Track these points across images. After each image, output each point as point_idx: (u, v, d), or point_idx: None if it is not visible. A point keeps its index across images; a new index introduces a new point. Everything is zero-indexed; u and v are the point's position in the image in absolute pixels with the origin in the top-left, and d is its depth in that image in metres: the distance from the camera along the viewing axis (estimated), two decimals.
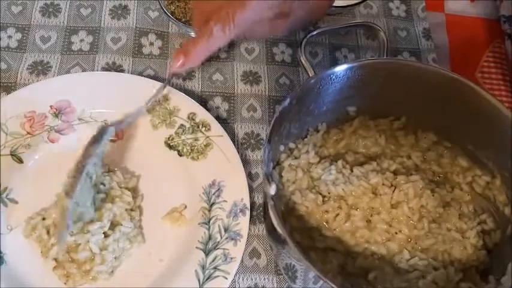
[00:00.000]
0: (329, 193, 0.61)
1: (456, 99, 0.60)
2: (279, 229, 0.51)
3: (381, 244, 0.60)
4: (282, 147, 0.62)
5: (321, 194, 0.62)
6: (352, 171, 0.63)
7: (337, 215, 0.61)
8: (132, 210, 0.65)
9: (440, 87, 0.60)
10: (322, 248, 0.60)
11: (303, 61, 0.63)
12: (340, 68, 0.59)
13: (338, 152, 0.66)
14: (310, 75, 0.62)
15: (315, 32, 0.66)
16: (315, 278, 0.50)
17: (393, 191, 0.62)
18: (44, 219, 0.61)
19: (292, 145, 0.63)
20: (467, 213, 0.63)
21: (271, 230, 0.59)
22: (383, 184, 0.62)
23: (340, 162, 0.63)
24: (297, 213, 0.61)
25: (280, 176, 0.61)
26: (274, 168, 0.61)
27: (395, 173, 0.64)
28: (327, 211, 0.61)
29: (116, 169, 0.67)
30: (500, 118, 0.58)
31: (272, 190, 0.55)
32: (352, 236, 0.60)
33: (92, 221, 0.61)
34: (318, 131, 0.65)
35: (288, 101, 0.56)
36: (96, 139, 0.63)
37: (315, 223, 0.60)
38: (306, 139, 0.65)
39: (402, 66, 0.63)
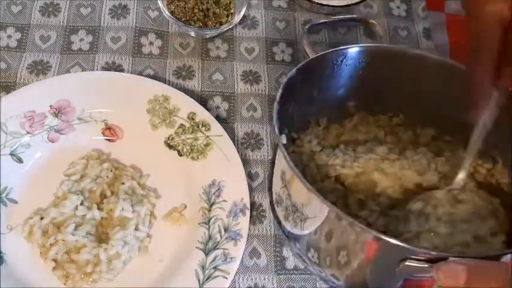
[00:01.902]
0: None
1: (453, 85, 0.59)
2: (290, 164, 0.50)
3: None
4: (284, 133, 0.62)
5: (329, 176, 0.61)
6: (355, 151, 0.63)
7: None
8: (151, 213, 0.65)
9: (435, 71, 0.61)
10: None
11: (306, 47, 0.64)
12: (343, 51, 0.61)
13: (339, 143, 0.66)
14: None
15: (314, 23, 0.70)
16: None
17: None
18: (42, 218, 0.61)
19: (294, 135, 0.64)
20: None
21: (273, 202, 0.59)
22: (389, 153, 0.62)
23: (342, 146, 0.63)
24: None
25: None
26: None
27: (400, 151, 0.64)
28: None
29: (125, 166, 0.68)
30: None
31: (283, 139, 0.54)
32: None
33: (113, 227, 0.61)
34: (319, 125, 0.66)
35: (294, 71, 0.57)
36: None
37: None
38: (307, 131, 0.65)
39: (399, 53, 0.63)
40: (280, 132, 0.54)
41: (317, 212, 0.50)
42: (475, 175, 0.63)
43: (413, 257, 0.45)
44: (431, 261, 0.44)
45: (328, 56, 0.60)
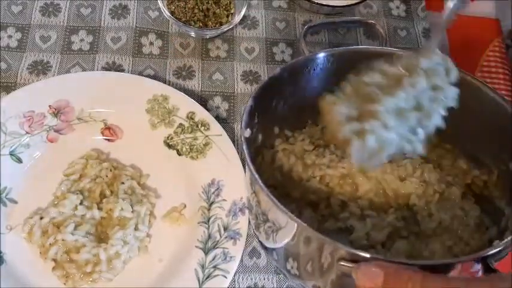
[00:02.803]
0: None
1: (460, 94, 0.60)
2: (251, 168, 0.50)
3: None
4: (276, 130, 0.61)
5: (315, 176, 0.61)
6: (345, 151, 0.62)
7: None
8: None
9: None
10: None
11: (304, 48, 0.65)
12: (331, 52, 0.60)
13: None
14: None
15: (313, 24, 0.69)
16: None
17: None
18: (41, 218, 0.61)
19: (288, 133, 0.64)
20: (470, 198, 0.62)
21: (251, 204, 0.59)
22: None
23: (332, 146, 0.63)
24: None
25: (272, 161, 0.61)
26: (267, 148, 0.61)
27: None
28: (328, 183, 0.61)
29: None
30: (499, 110, 0.57)
31: (247, 133, 0.55)
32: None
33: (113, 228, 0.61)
34: (317, 125, 0.66)
35: (278, 70, 0.57)
36: None
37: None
38: (304, 130, 0.65)
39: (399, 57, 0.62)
40: (246, 126, 0.54)
41: (284, 219, 0.49)
42: (472, 186, 0.63)
43: (345, 257, 0.46)
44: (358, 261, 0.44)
45: (312, 56, 0.61)
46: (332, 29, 0.83)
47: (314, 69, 0.61)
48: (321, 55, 0.61)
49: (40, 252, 0.60)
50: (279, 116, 0.61)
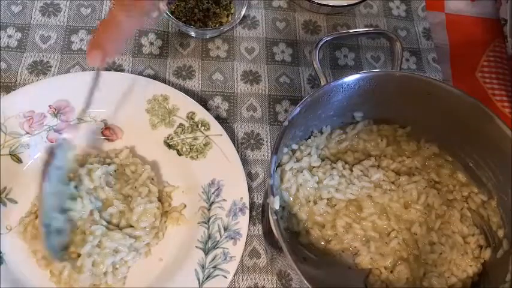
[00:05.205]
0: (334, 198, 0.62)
1: (465, 118, 0.60)
2: (280, 241, 0.50)
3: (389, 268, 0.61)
4: (285, 150, 0.61)
5: (322, 198, 0.62)
6: (352, 171, 0.63)
7: (349, 225, 0.61)
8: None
9: (449, 104, 0.60)
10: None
11: (316, 66, 0.63)
12: (352, 78, 0.60)
13: (339, 151, 0.66)
14: (322, 81, 0.62)
15: (329, 38, 0.65)
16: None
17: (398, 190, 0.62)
18: (37, 217, 0.61)
19: (295, 146, 0.63)
20: (467, 217, 0.63)
21: (267, 234, 0.59)
22: (384, 180, 0.63)
23: (340, 164, 0.63)
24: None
25: (281, 181, 0.61)
26: (275, 170, 0.61)
27: (396, 173, 0.64)
28: (334, 225, 0.61)
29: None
30: (503, 140, 0.57)
31: (276, 204, 0.54)
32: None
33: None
34: (322, 133, 0.65)
35: (297, 110, 0.56)
36: (51, 157, 0.60)
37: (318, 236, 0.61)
38: (309, 140, 0.65)
39: (414, 80, 0.62)
40: (274, 193, 0.53)
41: None
42: (469, 201, 0.63)
43: None
44: None
45: (333, 85, 0.60)
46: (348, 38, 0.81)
47: (331, 95, 0.61)
48: (349, 80, 0.60)
49: (36, 259, 0.60)
50: (289, 139, 0.61)
